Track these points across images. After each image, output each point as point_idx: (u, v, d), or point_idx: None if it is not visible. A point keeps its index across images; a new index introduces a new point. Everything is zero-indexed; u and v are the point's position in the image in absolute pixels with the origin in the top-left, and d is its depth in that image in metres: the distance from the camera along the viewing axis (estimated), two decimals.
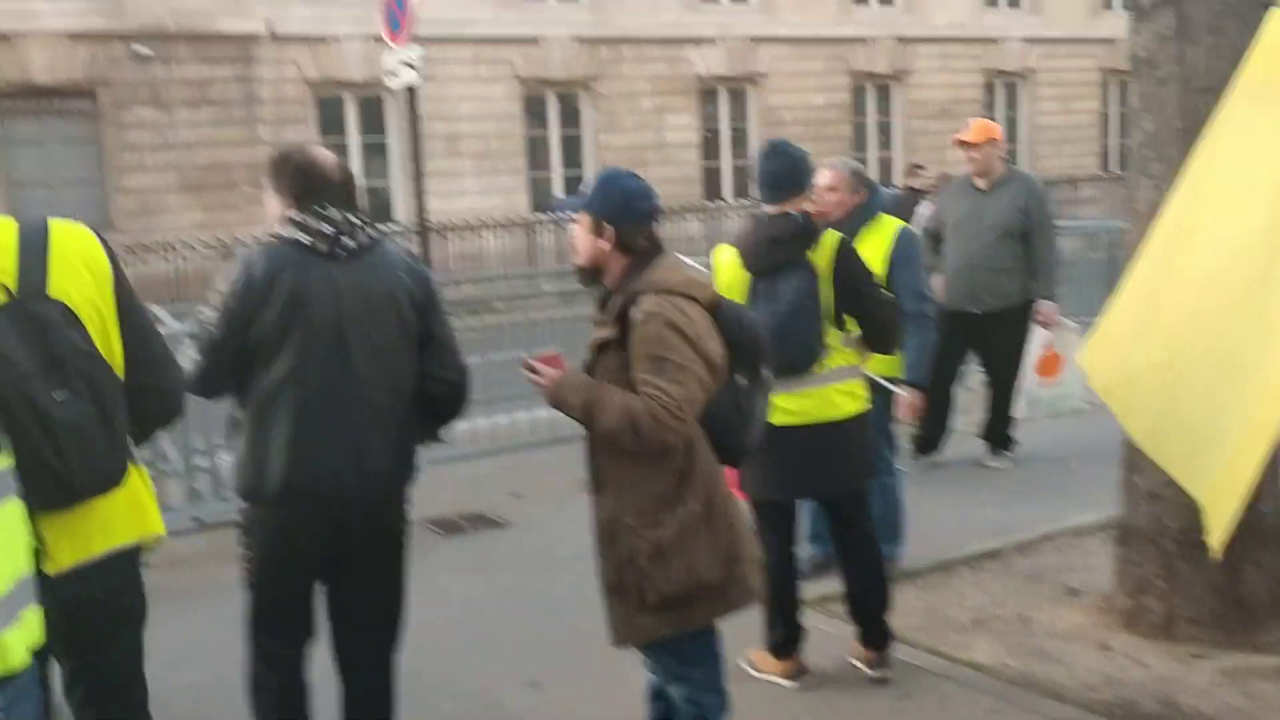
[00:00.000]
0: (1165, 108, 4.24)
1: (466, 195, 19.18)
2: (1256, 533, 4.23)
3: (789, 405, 3.99)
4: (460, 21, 18.65)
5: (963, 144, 6.72)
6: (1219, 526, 3.44)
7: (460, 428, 8.04)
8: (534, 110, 20.56)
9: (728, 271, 4.08)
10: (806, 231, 4.01)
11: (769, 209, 4.06)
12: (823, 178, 4.90)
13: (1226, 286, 3.67)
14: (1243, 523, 3.91)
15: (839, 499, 4.21)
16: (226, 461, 6.38)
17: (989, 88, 25.24)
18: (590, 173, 20.70)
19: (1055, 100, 25.73)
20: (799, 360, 3.96)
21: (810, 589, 4.97)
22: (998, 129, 6.93)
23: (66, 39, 16.58)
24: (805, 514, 4.86)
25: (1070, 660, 4.27)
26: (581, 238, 3.16)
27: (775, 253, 3.99)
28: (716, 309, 3.12)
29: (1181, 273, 3.86)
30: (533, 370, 3.13)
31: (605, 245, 3.12)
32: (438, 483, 6.62)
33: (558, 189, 20.73)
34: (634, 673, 3.48)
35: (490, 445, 7.63)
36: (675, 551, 3.04)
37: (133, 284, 2.72)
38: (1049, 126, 25.85)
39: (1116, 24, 26.23)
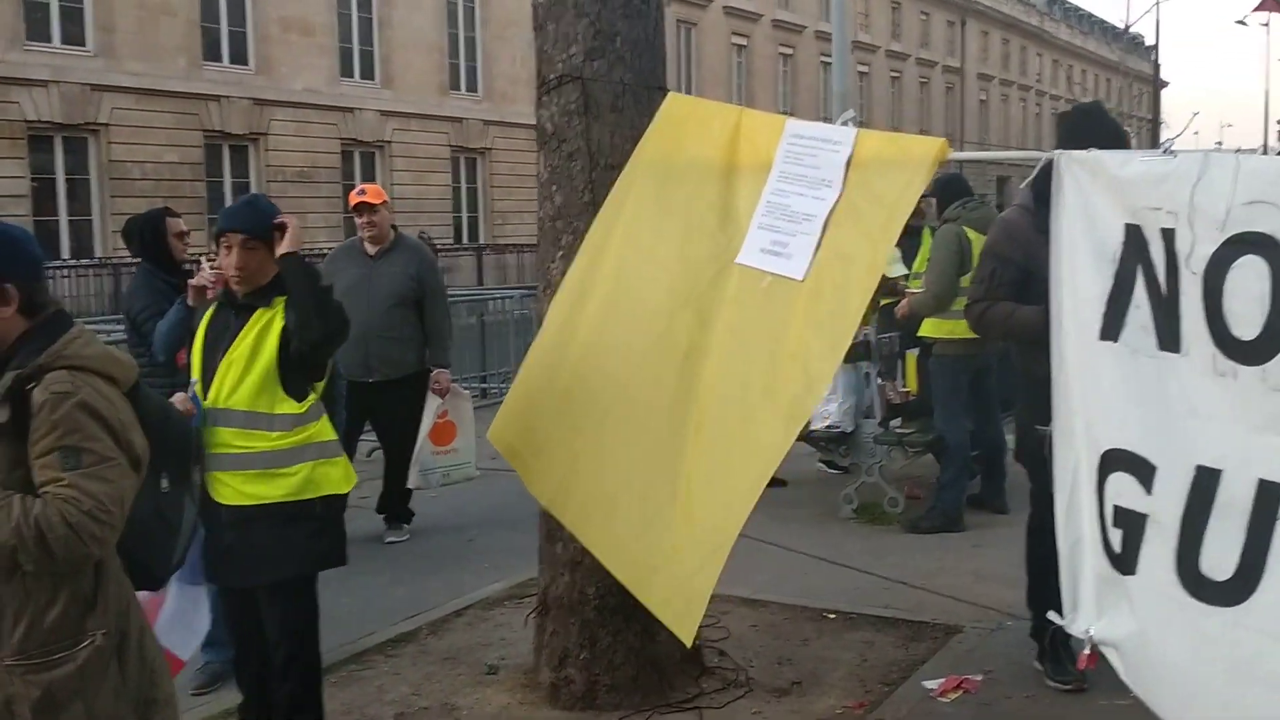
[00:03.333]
0: (574, 180, 4.30)
1: None
2: None
3: None
4: None
5: (362, 206, 6.47)
6: (686, 623, 3.38)
7: None
8: None
9: None
10: None
11: None
12: None
13: (628, 354, 3.78)
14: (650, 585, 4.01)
15: None
16: None
17: (347, 156, 25.45)
18: None
19: (410, 173, 26.58)
20: None
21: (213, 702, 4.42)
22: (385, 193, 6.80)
23: None
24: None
25: None
26: None
27: None
28: (136, 395, 2.55)
29: (583, 341, 3.93)
30: None
31: (8, 311, 2.46)
32: None
33: None
34: None
35: None
36: (72, 698, 2.42)
37: None
38: (405, 197, 26.59)
39: (462, 104, 27.90)
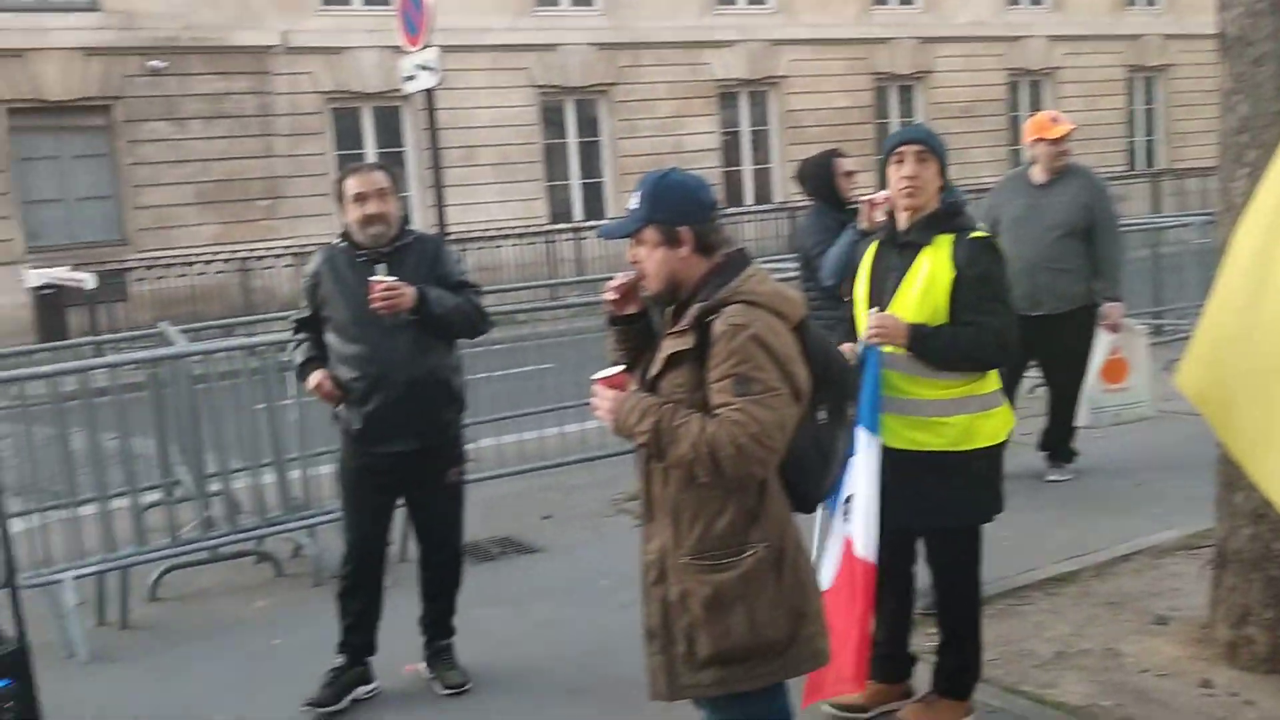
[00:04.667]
0: (1262, 88, 3.85)
1: (484, 205, 18.85)
2: None
3: None
4: (476, 30, 18.36)
5: (1055, 139, 6.32)
6: None
7: (485, 446, 7.74)
8: (551, 118, 20.24)
9: None
10: None
11: None
12: None
13: None
14: None
15: None
16: (242, 486, 6.05)
17: (1012, 86, 24.80)
18: (609, 180, 20.42)
19: (1080, 98, 25.15)
20: None
21: None
22: None
23: (80, 54, 16.32)
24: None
25: (1170, 700, 3.87)
26: (652, 257, 2.74)
27: None
28: (802, 331, 2.73)
29: None
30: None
31: (684, 252, 2.73)
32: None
33: (576, 197, 20.41)
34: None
35: (518, 464, 7.20)
36: (736, 600, 2.67)
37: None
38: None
39: (1139, 20, 25.90)
